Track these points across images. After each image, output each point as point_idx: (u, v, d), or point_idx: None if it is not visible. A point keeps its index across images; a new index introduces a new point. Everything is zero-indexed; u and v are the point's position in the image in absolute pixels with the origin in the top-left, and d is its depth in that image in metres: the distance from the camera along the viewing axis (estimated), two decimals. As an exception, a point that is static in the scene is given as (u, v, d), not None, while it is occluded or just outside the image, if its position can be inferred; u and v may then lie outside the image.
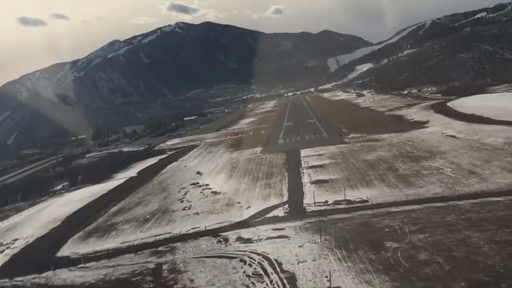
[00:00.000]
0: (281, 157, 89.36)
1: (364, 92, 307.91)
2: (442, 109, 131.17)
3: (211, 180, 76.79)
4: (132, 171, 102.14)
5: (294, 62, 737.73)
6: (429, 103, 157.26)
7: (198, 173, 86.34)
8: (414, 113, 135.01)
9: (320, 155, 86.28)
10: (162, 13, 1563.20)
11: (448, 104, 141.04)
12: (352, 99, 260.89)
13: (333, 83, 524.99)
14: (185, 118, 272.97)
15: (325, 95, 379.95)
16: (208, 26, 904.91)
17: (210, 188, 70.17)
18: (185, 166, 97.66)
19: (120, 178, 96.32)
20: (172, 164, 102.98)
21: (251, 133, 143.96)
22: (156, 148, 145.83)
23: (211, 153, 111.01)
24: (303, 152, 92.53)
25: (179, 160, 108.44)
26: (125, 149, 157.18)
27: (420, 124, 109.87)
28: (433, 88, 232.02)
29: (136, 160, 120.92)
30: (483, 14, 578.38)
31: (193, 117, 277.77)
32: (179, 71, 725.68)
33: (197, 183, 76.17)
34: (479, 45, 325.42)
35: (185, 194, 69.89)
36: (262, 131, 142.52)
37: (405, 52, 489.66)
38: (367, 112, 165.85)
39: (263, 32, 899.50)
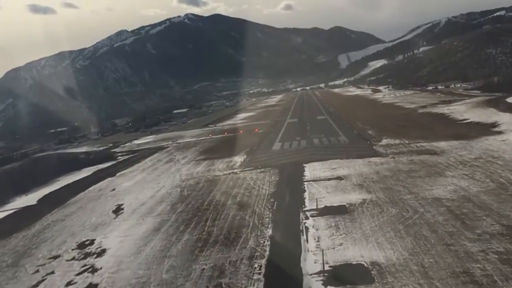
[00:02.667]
0: (269, 180, 48.28)
1: (381, 88, 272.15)
2: (507, 107, 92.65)
3: (118, 236, 36.13)
4: (39, 194, 62.46)
5: (304, 57, 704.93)
6: (474, 99, 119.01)
7: (116, 211, 44.99)
8: (463, 112, 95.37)
9: (339, 178, 44.80)
10: (172, 5, 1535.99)
11: (509, 100, 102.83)
12: (368, 95, 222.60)
13: (345, 79, 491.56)
14: (175, 111, 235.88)
15: (336, 90, 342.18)
16: (217, 19, 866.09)
17: (96, 269, 29.16)
18: (112, 190, 56.02)
19: (7, 209, 57.54)
20: (99, 184, 61.06)
21: (241, 132, 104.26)
22: (116, 150, 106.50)
23: (170, 164, 69.13)
24: (309, 170, 50.78)
25: (117, 174, 67.42)
26: (83, 149, 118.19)
27: (487, 128, 70.68)
28: (465, 84, 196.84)
29: (74, 168, 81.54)
30: (502, 12, 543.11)
31: (184, 110, 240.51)
32: (186, 63, 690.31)
33: (90, 242, 35.55)
34: (509, 39, 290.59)
35: (38, 285, 28.65)
36: (256, 129, 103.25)
37: (421, 49, 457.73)
38: (394, 109, 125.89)
39: (273, 26, 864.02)
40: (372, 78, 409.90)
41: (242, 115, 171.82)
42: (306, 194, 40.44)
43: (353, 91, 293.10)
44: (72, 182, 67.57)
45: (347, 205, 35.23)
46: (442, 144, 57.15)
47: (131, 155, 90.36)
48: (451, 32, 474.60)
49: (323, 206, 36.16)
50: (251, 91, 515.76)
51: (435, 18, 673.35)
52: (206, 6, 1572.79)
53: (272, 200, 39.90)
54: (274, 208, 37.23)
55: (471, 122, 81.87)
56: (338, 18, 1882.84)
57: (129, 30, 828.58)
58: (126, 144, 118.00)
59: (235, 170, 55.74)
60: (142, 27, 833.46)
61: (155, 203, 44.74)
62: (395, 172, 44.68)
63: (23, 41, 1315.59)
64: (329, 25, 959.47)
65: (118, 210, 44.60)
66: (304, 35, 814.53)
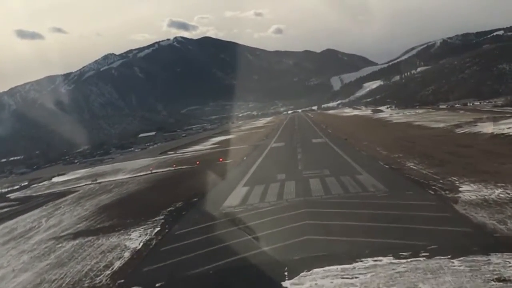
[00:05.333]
0: None
1: (382, 108, 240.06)
2: None
3: None
4: None
5: (295, 80, 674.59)
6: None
7: None
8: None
9: None
10: (162, 30, 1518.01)
11: None
12: (370, 115, 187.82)
13: (339, 101, 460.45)
14: (141, 135, 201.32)
15: (331, 112, 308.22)
16: (207, 41, 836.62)
17: None
18: None
19: None
20: None
21: (198, 163, 67.48)
22: (12, 196, 69.83)
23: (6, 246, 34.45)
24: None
25: None
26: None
27: None
28: (485, 102, 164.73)
29: None
30: (500, 32, 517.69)
31: (152, 133, 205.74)
32: (174, 87, 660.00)
33: None
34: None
35: None
36: (220, 159, 66.67)
37: (418, 69, 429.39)
38: (417, 129, 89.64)
39: (264, 49, 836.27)
40: (369, 99, 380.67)
41: (217, 139, 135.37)
42: None
43: (350, 112, 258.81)
44: None
45: None
46: None
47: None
48: (448, 53, 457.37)
49: None
50: (240, 115, 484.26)
51: (428, 40, 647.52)
52: (196, 30, 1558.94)
53: None
54: None
55: None
56: (329, 40, 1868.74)
57: (117, 53, 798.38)
58: (40, 184, 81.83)
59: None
60: (130, 51, 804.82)
61: None
62: None
63: (9, 67, 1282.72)
64: (321, 48, 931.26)
65: None
66: (295, 58, 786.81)
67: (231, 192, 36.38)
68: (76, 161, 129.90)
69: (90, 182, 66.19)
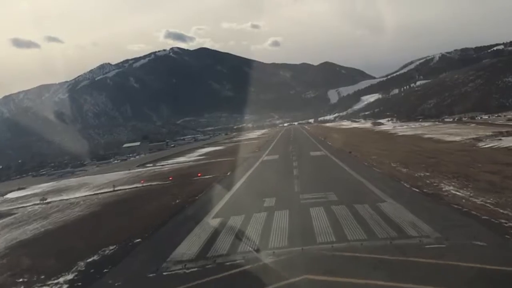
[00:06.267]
0: None
1: (382, 120, 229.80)
2: None
3: None
4: None
5: (292, 92, 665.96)
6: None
7: None
8: None
9: None
10: (159, 40, 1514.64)
11: None
12: (370, 127, 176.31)
13: (336, 114, 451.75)
14: (125, 145, 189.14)
15: (329, 124, 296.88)
16: (204, 52, 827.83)
17: None
18: None
19: None
20: None
21: (171, 178, 54.52)
22: None
23: None
24: None
25: None
26: None
27: None
28: (500, 115, 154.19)
29: None
30: (501, 47, 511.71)
31: (136, 144, 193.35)
32: (170, 97, 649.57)
33: None
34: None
35: None
36: (199, 174, 53.76)
37: (418, 83, 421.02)
38: (430, 142, 76.96)
39: (261, 61, 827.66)
40: (367, 112, 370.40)
41: (205, 150, 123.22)
42: None
43: (349, 124, 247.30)
44: None
45: None
46: None
47: None
48: (447, 67, 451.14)
49: None
50: (236, 127, 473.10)
51: (427, 54, 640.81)
52: (193, 41, 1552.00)
53: None
54: None
55: None
56: (327, 54, 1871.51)
57: (113, 63, 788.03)
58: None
59: None
60: (126, 60, 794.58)
61: None
62: None
63: (5, 74, 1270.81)
64: (318, 61, 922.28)
65: None
66: (292, 70, 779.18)
67: (192, 229, 23.94)
68: (44, 172, 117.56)
69: (38, 202, 53.82)
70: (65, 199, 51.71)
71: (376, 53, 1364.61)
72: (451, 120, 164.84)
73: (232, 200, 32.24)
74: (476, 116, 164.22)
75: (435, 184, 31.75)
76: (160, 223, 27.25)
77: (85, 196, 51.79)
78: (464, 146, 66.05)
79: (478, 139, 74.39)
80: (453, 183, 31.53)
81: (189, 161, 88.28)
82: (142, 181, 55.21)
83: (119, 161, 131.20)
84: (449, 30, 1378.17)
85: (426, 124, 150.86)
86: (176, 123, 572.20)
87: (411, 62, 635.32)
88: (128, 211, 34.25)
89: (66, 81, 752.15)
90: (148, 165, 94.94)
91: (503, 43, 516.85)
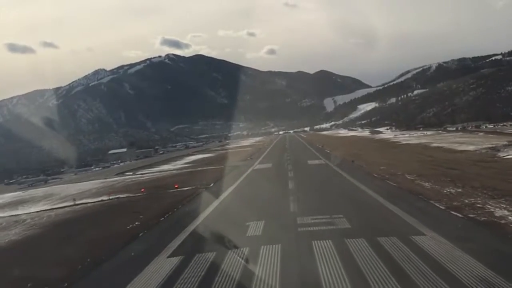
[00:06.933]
0: None
1: (381, 129, 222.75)
2: None
3: None
4: None
5: (288, 101, 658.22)
6: None
7: None
8: None
9: None
10: (154, 47, 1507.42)
11: None
12: (369, 136, 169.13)
13: (332, 122, 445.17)
14: (111, 151, 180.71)
15: (325, 132, 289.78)
16: (199, 59, 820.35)
17: None
18: None
19: None
20: None
21: (143, 190, 45.82)
22: None
23: None
24: None
25: None
26: None
27: None
28: (505, 124, 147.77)
29: None
30: (499, 57, 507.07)
31: (123, 150, 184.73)
32: (164, 104, 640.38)
33: None
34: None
35: None
36: (176, 186, 45.16)
37: (415, 92, 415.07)
38: (442, 152, 68.90)
39: (257, 69, 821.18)
40: (363, 121, 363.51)
41: (193, 158, 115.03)
42: None
43: (346, 133, 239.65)
44: None
45: None
46: None
47: None
48: (444, 76, 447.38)
49: None
50: (230, 134, 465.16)
51: (423, 64, 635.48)
52: (189, 49, 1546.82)
53: None
54: None
55: None
56: (323, 62, 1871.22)
57: (108, 69, 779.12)
58: None
59: None
60: (121, 66, 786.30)
61: None
62: None
63: (0, 80, 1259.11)
64: (314, 69, 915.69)
65: None
66: (288, 79, 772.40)
67: (132, 280, 15.63)
68: (13, 181, 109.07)
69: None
70: (14, 215, 42.99)
71: (372, 63, 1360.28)
72: (454, 129, 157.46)
73: (205, 224, 23.69)
74: (481, 125, 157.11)
75: (478, 206, 23.43)
76: (98, 261, 18.77)
77: (38, 211, 43.04)
78: (482, 156, 57.94)
79: (495, 149, 66.36)
80: (503, 204, 23.32)
81: (172, 170, 79.70)
82: (110, 194, 46.57)
83: (100, 168, 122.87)
84: (445, 40, 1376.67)
85: (429, 133, 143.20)
86: (170, 130, 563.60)
87: (408, 72, 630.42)
88: (67, 238, 25.61)
89: (60, 87, 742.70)
90: (128, 173, 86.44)
91: (501, 53, 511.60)
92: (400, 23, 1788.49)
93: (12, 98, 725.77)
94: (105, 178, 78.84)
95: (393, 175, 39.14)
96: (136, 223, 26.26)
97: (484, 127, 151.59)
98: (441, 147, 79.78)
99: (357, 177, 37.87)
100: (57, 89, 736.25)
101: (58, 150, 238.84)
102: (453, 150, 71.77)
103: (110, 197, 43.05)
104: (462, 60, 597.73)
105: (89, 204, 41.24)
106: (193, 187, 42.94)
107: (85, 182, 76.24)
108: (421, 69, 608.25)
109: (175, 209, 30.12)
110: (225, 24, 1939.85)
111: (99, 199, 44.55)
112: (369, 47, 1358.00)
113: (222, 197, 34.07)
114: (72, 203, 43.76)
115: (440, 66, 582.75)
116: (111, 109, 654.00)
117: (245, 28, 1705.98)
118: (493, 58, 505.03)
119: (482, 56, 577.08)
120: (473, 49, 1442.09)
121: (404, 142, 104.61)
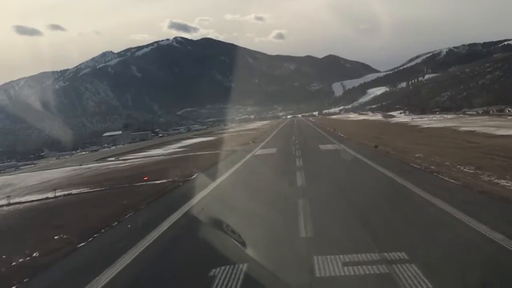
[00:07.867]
0: None
1: (394, 113, 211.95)
2: None
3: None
4: None
5: (296, 85, 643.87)
6: None
7: None
8: None
9: None
10: (162, 30, 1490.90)
11: None
12: (383, 119, 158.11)
13: (341, 107, 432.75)
14: (105, 134, 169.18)
15: (335, 117, 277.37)
16: (207, 42, 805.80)
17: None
18: None
19: None
20: None
21: (105, 183, 34.44)
22: None
23: None
24: None
25: None
26: None
27: None
28: None
29: None
30: (511, 42, 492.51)
31: (117, 133, 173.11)
32: (172, 88, 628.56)
33: None
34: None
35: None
36: (145, 178, 33.99)
37: (426, 76, 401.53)
38: (480, 137, 55.64)
39: (265, 53, 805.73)
40: (373, 106, 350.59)
41: (190, 141, 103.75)
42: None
43: (356, 117, 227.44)
44: None
45: None
46: None
47: None
48: (454, 61, 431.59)
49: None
50: (237, 118, 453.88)
51: (432, 49, 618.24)
52: (197, 32, 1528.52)
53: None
54: None
55: None
56: (332, 47, 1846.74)
57: (115, 52, 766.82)
58: None
59: None
60: (129, 49, 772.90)
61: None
62: None
63: (7, 62, 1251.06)
64: (323, 54, 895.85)
65: None
66: (297, 63, 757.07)
67: None
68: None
69: None
70: None
71: (381, 48, 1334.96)
72: (474, 113, 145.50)
73: (155, 252, 12.24)
74: (504, 109, 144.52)
75: None
76: None
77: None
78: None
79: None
80: None
81: (162, 155, 68.28)
82: (63, 188, 34.90)
83: (87, 152, 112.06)
84: (455, 25, 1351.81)
85: (449, 116, 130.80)
86: (176, 114, 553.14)
87: (417, 57, 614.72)
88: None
89: (67, 69, 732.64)
90: (110, 159, 75.48)
91: (506, 40, 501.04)
92: (409, 8, 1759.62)
93: (19, 80, 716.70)
94: (80, 165, 67.51)
95: (440, 165, 27.17)
96: (35, 254, 14.58)
97: (507, 111, 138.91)
98: (473, 131, 67.68)
99: (393, 169, 26.00)
100: (64, 71, 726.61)
101: (55, 133, 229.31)
102: (492, 134, 59.54)
103: (56, 195, 31.63)
104: (472, 45, 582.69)
105: (21, 207, 29.60)
106: (169, 179, 31.34)
107: (55, 170, 65.37)
108: (431, 54, 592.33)
109: (116, 222, 18.44)
110: (233, 8, 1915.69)
111: (43, 196, 32.93)
112: (378, 32, 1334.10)
113: (200, 195, 22.57)
114: (6, 203, 32.22)
115: (450, 51, 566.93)
116: (118, 91, 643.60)
117: (253, 12, 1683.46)
118: (505, 43, 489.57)
119: (493, 42, 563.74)
120: (483, 35, 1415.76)
121: (425, 126, 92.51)
